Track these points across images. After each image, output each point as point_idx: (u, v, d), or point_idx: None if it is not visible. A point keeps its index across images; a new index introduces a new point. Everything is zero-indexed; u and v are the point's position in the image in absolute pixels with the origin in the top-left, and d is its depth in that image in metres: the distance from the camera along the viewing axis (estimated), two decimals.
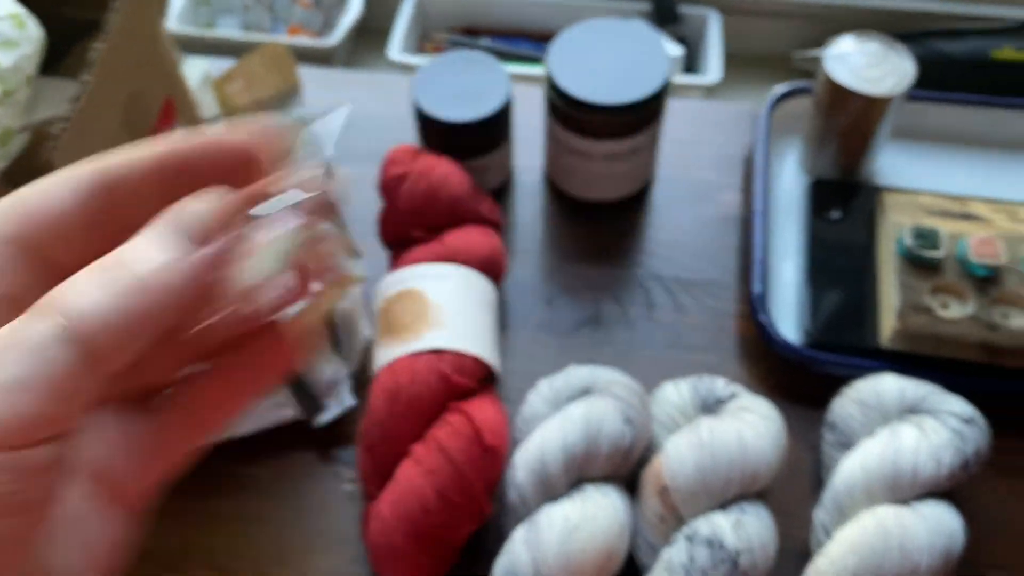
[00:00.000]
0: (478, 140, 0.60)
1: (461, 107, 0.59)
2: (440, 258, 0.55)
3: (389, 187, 0.57)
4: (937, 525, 0.44)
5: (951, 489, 0.47)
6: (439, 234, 0.56)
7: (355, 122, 0.69)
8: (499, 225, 0.60)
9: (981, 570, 0.49)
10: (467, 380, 0.50)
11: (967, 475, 0.47)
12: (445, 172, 0.57)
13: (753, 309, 0.56)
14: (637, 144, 0.59)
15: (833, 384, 0.52)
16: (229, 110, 0.65)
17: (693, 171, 0.66)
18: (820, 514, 0.48)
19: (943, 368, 0.53)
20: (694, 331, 0.58)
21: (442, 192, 0.56)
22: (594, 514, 0.44)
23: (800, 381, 0.55)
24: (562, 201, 0.65)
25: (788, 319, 0.57)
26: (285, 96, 0.65)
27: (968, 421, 0.47)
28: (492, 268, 0.56)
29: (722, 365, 0.57)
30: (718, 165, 0.66)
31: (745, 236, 0.61)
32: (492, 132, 0.60)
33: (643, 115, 0.57)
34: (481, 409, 0.49)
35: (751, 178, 0.62)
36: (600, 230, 0.63)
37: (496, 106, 0.59)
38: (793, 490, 0.52)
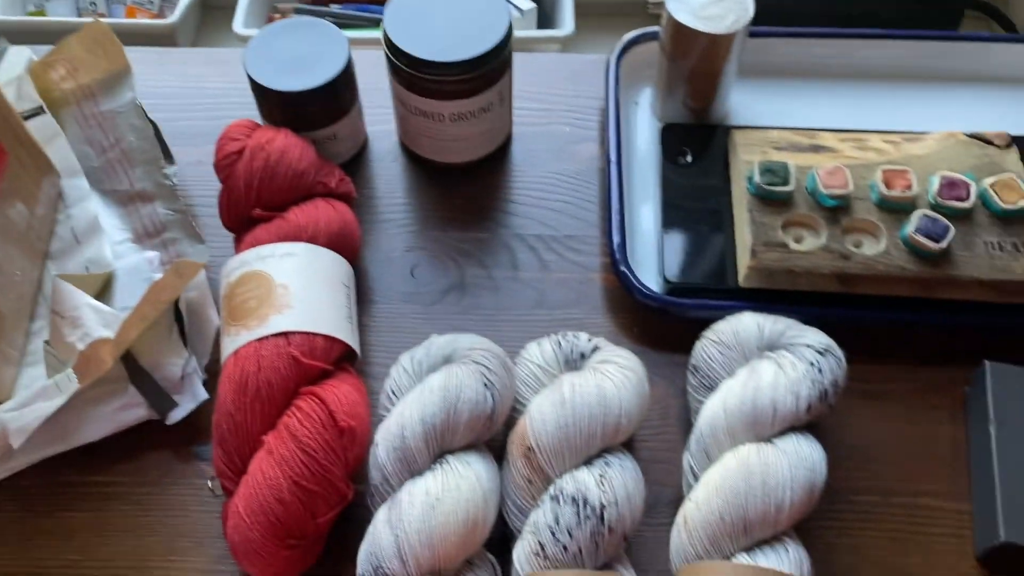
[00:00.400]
0: (320, 109, 0.58)
1: (297, 76, 0.56)
2: (285, 236, 0.52)
3: (225, 165, 0.54)
4: (798, 459, 0.44)
5: (814, 420, 0.48)
6: (283, 212, 0.54)
7: (195, 101, 0.66)
8: (351, 197, 0.57)
9: (848, 495, 0.50)
10: (319, 361, 0.48)
11: (827, 406, 0.47)
12: (284, 145, 0.54)
13: (613, 260, 0.55)
14: (486, 102, 0.57)
15: (698, 329, 0.51)
16: (53, 100, 0.60)
17: (551, 126, 0.65)
18: (688, 458, 0.48)
19: (800, 302, 0.53)
20: (560, 288, 0.57)
21: (282, 166, 0.54)
22: (456, 485, 0.42)
23: (665, 328, 0.55)
24: (419, 167, 0.63)
25: (650, 267, 0.57)
26: (115, 80, 0.61)
27: (824, 352, 0.48)
28: (344, 243, 0.54)
29: (589, 319, 0.56)
30: (575, 118, 0.65)
31: (605, 188, 0.60)
32: (334, 100, 0.58)
33: (487, 71, 0.56)
34: (335, 390, 0.47)
35: (607, 129, 0.61)
36: (460, 194, 0.62)
37: (334, 72, 0.56)
38: (665, 437, 0.52)
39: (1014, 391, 0.50)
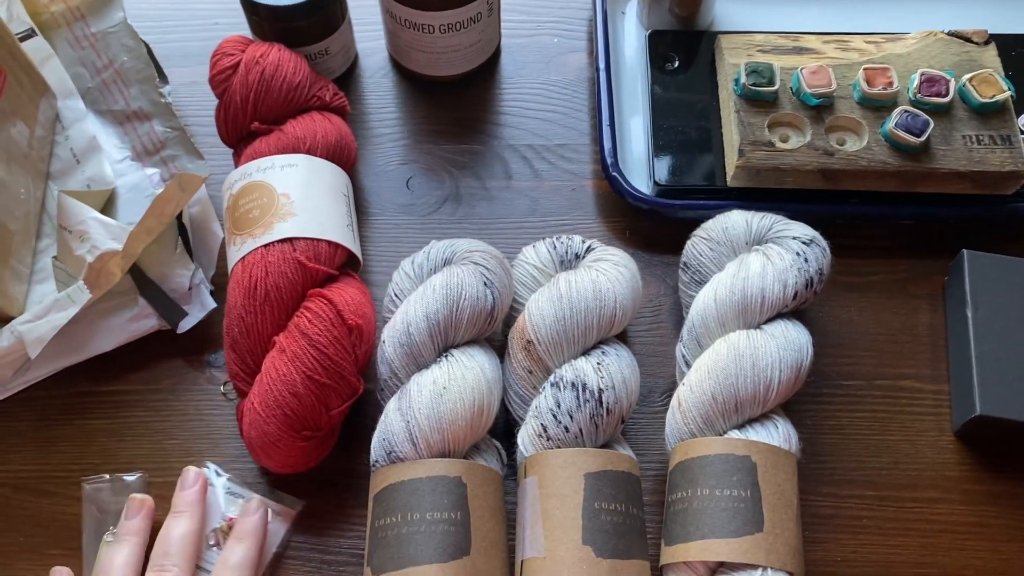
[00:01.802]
0: (311, 25, 0.58)
1: None
2: (284, 149, 0.54)
3: (220, 80, 0.54)
4: (786, 341, 0.47)
5: (800, 308, 0.50)
6: (281, 125, 0.55)
7: (185, 22, 0.66)
8: (345, 111, 0.58)
9: (833, 380, 0.52)
10: (324, 266, 0.50)
11: (812, 294, 0.49)
12: (278, 58, 0.55)
13: (604, 166, 0.57)
14: (475, 11, 0.58)
15: (688, 229, 0.53)
16: (43, 23, 0.60)
17: (539, 37, 0.66)
18: (680, 349, 0.50)
19: (787, 199, 0.55)
20: (553, 195, 0.59)
21: (277, 79, 0.54)
22: (461, 375, 0.45)
23: (656, 230, 0.57)
24: (410, 82, 0.64)
25: (640, 172, 0.58)
26: (103, 1, 0.61)
27: (809, 243, 0.50)
28: (341, 154, 0.55)
29: (582, 225, 0.58)
30: (563, 29, 0.66)
31: (595, 96, 0.61)
32: (325, 15, 0.58)
33: None
34: (341, 292, 0.49)
35: (595, 38, 0.62)
36: (451, 107, 0.63)
37: None
38: (659, 332, 0.54)
39: (990, 277, 0.52)
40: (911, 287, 0.55)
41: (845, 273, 0.56)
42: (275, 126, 0.55)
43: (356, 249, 0.53)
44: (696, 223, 0.53)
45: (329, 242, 0.50)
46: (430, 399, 0.43)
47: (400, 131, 0.62)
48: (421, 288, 0.47)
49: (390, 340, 0.46)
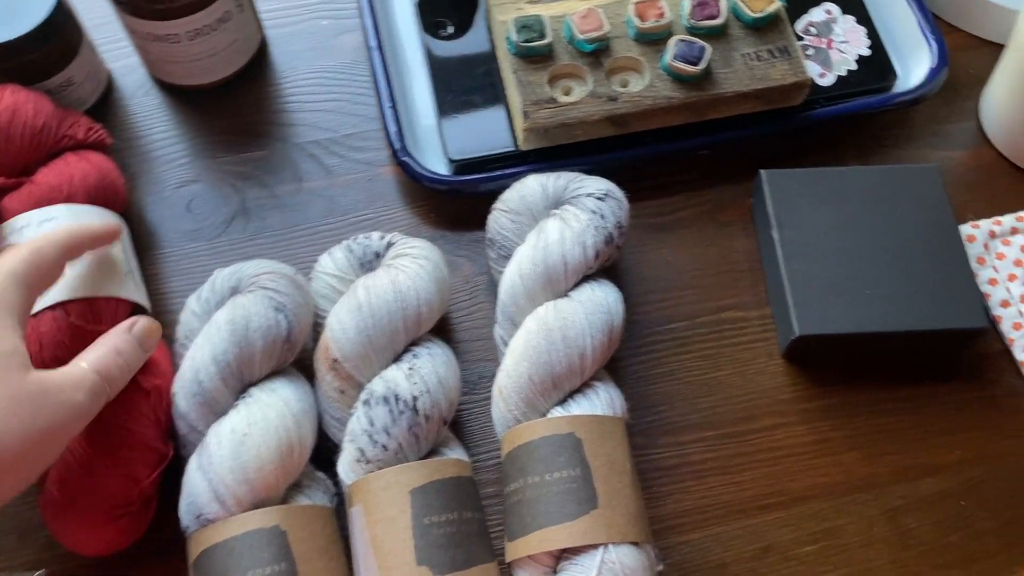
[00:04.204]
0: (45, 55, 0.52)
1: (6, 24, 0.50)
2: (39, 202, 0.48)
3: None
4: (593, 305, 0.45)
5: (607, 264, 0.49)
6: (31, 176, 0.50)
7: None
8: (105, 144, 0.53)
9: (657, 327, 0.52)
10: (106, 325, 0.46)
11: (615, 248, 0.48)
12: (13, 102, 0.50)
13: (393, 151, 0.54)
14: (221, 11, 0.53)
15: (494, 200, 0.51)
16: None
17: (306, 22, 0.62)
18: (497, 330, 0.48)
19: (584, 152, 0.54)
20: (349, 191, 0.56)
21: (16, 126, 0.49)
22: (263, 416, 0.42)
23: (463, 208, 0.55)
24: (175, 96, 0.59)
25: (437, 149, 0.56)
26: None
27: (604, 197, 0.48)
28: (107, 194, 0.51)
29: (384, 216, 0.55)
30: (330, 9, 0.62)
31: (374, 77, 0.58)
32: (57, 41, 0.52)
33: None
34: None
35: (363, 14, 0.58)
36: (224, 114, 0.58)
37: (46, 11, 0.51)
38: (478, 315, 0.52)
39: (790, 194, 0.52)
40: (720, 216, 0.55)
41: (654, 214, 0.55)
42: (24, 178, 0.50)
43: (140, 297, 0.48)
44: (500, 194, 0.51)
45: (107, 298, 0.46)
46: (231, 450, 0.41)
47: (173, 152, 0.57)
48: (206, 328, 0.44)
49: (181, 393, 0.43)
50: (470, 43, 0.58)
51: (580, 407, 0.44)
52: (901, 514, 0.47)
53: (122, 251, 0.49)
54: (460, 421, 0.49)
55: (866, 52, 0.57)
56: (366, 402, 0.43)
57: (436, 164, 0.55)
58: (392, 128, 0.54)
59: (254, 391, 0.43)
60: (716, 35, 0.54)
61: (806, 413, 0.50)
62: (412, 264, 0.46)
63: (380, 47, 0.57)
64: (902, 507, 0.47)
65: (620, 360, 0.50)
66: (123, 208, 0.52)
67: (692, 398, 0.50)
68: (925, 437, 0.49)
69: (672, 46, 0.52)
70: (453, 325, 0.52)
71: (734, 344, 0.51)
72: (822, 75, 0.56)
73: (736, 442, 0.49)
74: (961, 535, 0.47)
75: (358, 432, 0.42)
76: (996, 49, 0.58)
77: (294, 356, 0.46)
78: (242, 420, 0.42)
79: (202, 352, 0.43)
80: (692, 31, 0.54)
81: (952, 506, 0.47)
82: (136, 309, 0.48)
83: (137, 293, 0.48)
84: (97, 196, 0.50)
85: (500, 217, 0.50)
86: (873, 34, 0.58)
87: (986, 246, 0.53)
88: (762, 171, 0.52)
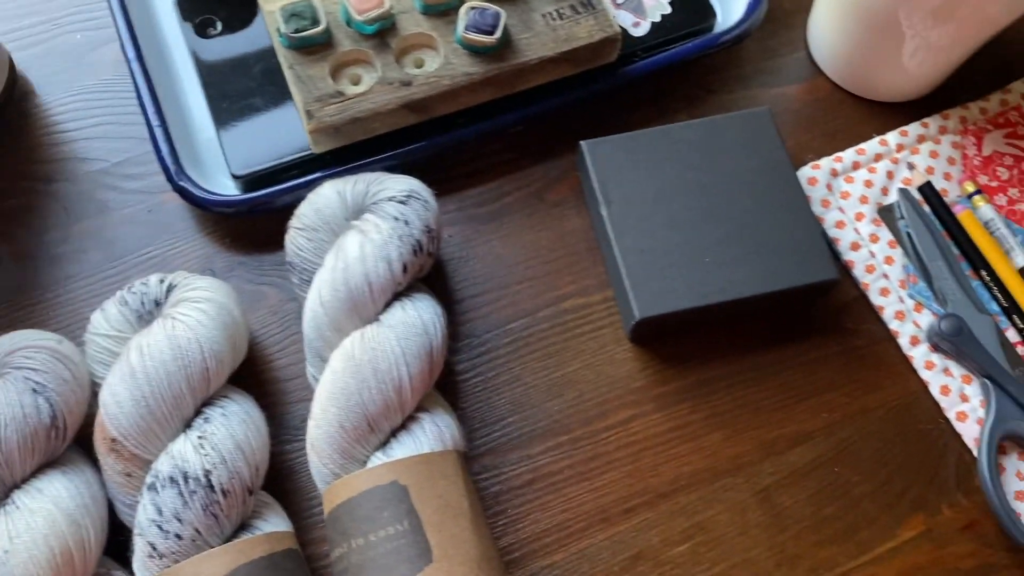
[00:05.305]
0: None
1: None
2: None
3: None
4: (405, 328, 0.40)
5: (421, 275, 0.43)
6: None
7: None
8: None
9: (496, 329, 0.47)
10: None
11: (426, 256, 0.42)
12: None
13: (168, 176, 0.47)
14: None
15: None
16: None
17: (58, 39, 0.53)
18: (309, 370, 0.43)
19: (386, 147, 0.48)
20: (128, 227, 0.49)
21: None
22: (26, 526, 0.35)
23: (263, 228, 0.48)
24: None
25: (223, 166, 0.49)
26: None
27: (406, 200, 0.43)
28: None
29: (173, 252, 0.48)
30: (83, 20, 0.54)
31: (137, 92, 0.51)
32: None
33: None
34: None
35: (116, 21, 0.50)
36: None
37: None
38: (292, 349, 0.46)
39: (615, 163, 0.47)
40: (548, 195, 0.50)
41: (477, 203, 0.49)
42: None
43: None
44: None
45: None
46: None
47: None
48: None
49: None
50: (244, 39, 0.51)
51: (404, 447, 0.38)
52: (774, 492, 0.44)
53: None
54: (281, 476, 0.43)
55: None
56: (151, 487, 0.37)
57: (224, 183, 0.48)
58: (164, 148, 0.47)
59: (16, 497, 0.37)
60: None
61: (661, 398, 0.46)
62: (192, 311, 0.40)
63: (140, 57, 0.49)
64: (773, 485, 0.44)
65: (455, 375, 0.45)
66: None
67: (540, 403, 0.45)
68: (788, 404, 0.46)
69: (464, 16, 0.47)
70: (263, 366, 0.46)
71: (579, 335, 0.47)
72: (636, 24, 0.52)
73: (591, 443, 0.45)
74: (838, 505, 0.44)
75: (145, 524, 0.36)
76: None
77: (68, 441, 0.39)
78: (4, 534, 0.35)
79: None
80: None
81: (826, 474, 0.44)
82: None
83: None
84: None
85: (296, 237, 0.44)
86: None
87: (829, 187, 0.50)
88: (582, 142, 0.48)
